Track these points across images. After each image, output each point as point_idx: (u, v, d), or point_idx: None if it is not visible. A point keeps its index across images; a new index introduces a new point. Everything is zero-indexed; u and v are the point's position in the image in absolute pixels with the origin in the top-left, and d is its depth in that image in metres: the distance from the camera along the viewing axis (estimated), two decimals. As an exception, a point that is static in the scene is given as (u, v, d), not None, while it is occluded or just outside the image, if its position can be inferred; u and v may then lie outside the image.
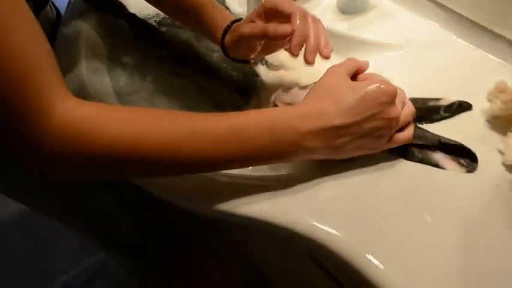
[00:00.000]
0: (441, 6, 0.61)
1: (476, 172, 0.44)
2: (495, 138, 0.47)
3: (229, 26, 0.53)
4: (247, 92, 0.61)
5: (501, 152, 0.45)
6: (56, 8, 0.69)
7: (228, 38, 0.53)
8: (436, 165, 0.44)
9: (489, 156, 0.46)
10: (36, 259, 1.32)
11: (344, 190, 0.43)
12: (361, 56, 0.61)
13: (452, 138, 0.46)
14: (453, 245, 0.39)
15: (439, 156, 0.45)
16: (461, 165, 0.45)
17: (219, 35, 0.54)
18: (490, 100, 0.50)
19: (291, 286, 0.90)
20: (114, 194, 0.88)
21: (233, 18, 0.54)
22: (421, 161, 0.45)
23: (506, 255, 0.38)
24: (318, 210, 0.41)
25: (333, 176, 0.44)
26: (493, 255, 0.38)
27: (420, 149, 0.46)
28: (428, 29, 0.62)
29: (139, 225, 1.00)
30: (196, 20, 0.56)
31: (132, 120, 0.35)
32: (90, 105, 0.35)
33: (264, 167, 0.48)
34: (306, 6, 0.70)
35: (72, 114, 0.32)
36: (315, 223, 0.40)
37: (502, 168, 0.45)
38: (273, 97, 0.51)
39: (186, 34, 0.68)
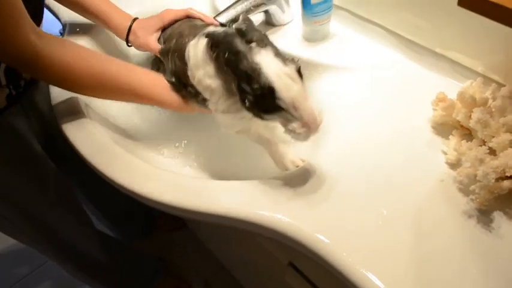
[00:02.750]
0: (392, 33, 0.70)
1: (424, 170, 0.51)
2: (439, 141, 0.54)
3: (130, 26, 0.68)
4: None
5: (444, 153, 0.52)
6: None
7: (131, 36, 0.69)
8: None
9: (434, 156, 0.52)
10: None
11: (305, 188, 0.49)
12: (321, 77, 0.69)
13: (399, 144, 0.54)
14: (405, 230, 0.44)
15: None
16: None
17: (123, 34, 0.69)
18: (434, 109, 0.57)
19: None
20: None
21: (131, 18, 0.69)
22: None
23: (451, 238, 0.44)
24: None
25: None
26: (438, 238, 0.44)
27: None
28: (382, 52, 0.70)
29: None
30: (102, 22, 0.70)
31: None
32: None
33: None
34: (274, 36, 0.78)
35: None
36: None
37: (446, 166, 0.51)
38: None
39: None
